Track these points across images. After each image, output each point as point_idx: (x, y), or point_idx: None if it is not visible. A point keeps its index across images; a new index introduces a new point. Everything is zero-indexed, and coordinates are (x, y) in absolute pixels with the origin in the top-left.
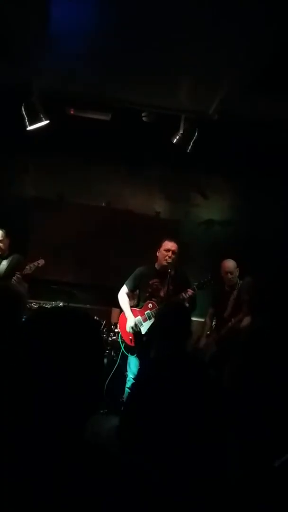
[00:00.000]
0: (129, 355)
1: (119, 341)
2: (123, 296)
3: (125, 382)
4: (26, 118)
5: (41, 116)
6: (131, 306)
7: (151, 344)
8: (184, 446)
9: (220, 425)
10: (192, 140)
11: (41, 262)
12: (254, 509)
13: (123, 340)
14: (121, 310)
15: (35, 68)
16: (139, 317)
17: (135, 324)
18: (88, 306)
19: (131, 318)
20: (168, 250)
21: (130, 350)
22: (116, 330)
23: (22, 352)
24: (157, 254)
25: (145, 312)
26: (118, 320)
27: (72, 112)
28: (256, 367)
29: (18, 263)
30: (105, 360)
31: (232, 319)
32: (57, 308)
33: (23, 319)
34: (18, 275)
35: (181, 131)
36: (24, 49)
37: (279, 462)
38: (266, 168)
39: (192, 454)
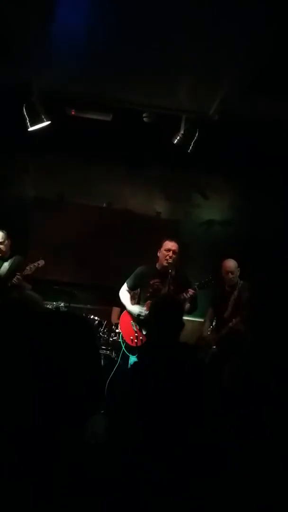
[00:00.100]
0: (129, 355)
1: (120, 341)
2: (124, 293)
3: None
4: (28, 119)
5: (42, 116)
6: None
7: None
8: (179, 441)
9: (215, 416)
10: (193, 141)
11: (41, 262)
12: (254, 509)
13: (124, 340)
14: (122, 310)
15: (35, 68)
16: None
17: (140, 313)
18: (88, 306)
19: (135, 308)
20: (168, 250)
21: (131, 350)
22: (117, 331)
23: (22, 353)
24: (158, 254)
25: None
26: (118, 320)
27: (73, 112)
28: (256, 367)
29: (19, 265)
30: (105, 361)
31: (233, 319)
32: (51, 310)
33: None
34: (18, 276)
35: (181, 132)
36: (24, 49)
37: None
38: (266, 168)
39: (187, 449)
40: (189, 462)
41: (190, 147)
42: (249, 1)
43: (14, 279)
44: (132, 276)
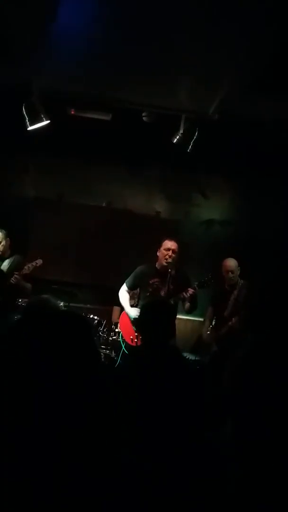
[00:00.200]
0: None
1: (119, 341)
2: (123, 293)
3: None
4: (27, 118)
5: (42, 116)
6: (131, 305)
7: None
8: (178, 441)
9: (214, 416)
10: (192, 140)
11: (39, 262)
12: (254, 509)
13: (124, 339)
14: (122, 309)
15: (35, 68)
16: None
17: (136, 316)
18: (88, 305)
19: (133, 310)
20: (168, 249)
21: (131, 349)
22: (116, 330)
23: (22, 353)
24: (157, 253)
25: None
26: (118, 319)
27: (72, 112)
28: (256, 366)
29: (18, 264)
30: (105, 361)
31: (233, 318)
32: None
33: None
34: (17, 276)
35: (181, 131)
36: (24, 49)
37: None
38: (266, 168)
39: (186, 449)
40: (188, 462)
41: (190, 147)
42: (249, 1)
43: (12, 278)
44: (131, 276)
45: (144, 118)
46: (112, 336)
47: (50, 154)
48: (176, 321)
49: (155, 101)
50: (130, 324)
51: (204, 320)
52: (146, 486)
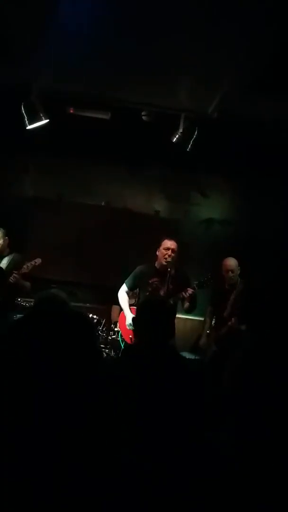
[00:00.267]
0: None
1: (119, 340)
2: (122, 294)
3: None
4: (26, 117)
5: (41, 115)
6: (131, 305)
7: None
8: (178, 441)
9: (213, 416)
10: (192, 139)
11: (38, 261)
12: (254, 509)
13: (123, 338)
14: (121, 309)
15: (35, 68)
16: None
17: (133, 322)
18: (87, 305)
19: (130, 316)
20: (167, 249)
21: None
22: (116, 329)
23: (22, 352)
24: (157, 253)
25: None
26: (118, 319)
27: (71, 111)
28: (255, 366)
29: (17, 262)
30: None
31: (232, 318)
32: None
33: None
34: (15, 275)
35: (180, 130)
36: (24, 49)
37: None
38: (266, 168)
39: (186, 449)
40: (188, 462)
41: (189, 146)
42: (249, 1)
43: (11, 277)
44: (131, 276)
45: (143, 117)
46: (111, 335)
47: (50, 154)
48: (176, 320)
49: (155, 101)
50: None
51: (204, 319)
52: (146, 486)
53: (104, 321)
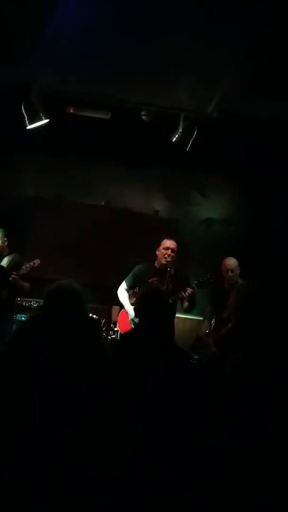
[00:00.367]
0: None
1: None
2: (122, 292)
3: None
4: (26, 117)
5: (41, 115)
6: (130, 304)
7: None
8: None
9: (213, 415)
10: (191, 139)
11: (37, 262)
12: (254, 509)
13: None
14: (121, 308)
15: (35, 68)
16: None
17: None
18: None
19: (132, 310)
20: (167, 249)
21: None
22: (115, 329)
23: (22, 353)
24: (157, 252)
25: None
26: (117, 318)
27: (71, 110)
28: (256, 367)
29: (17, 263)
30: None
31: (231, 322)
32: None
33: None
34: (14, 276)
35: (180, 130)
36: (24, 49)
37: None
38: (266, 168)
39: (186, 449)
40: (188, 462)
41: (189, 146)
42: (249, 1)
43: (10, 278)
44: (130, 274)
45: (143, 117)
46: (111, 335)
47: (50, 154)
48: (175, 320)
49: (155, 101)
50: (128, 323)
51: (203, 319)
52: (146, 486)
53: (104, 321)
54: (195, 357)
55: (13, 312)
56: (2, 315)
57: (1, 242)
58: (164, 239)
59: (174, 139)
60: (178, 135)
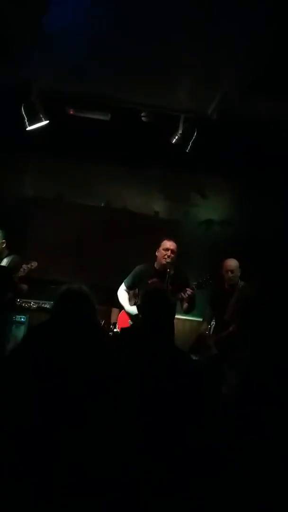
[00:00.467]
0: None
1: None
2: (122, 293)
3: None
4: (26, 118)
5: (41, 116)
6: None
7: None
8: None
9: (213, 416)
10: (191, 140)
11: (34, 264)
12: (254, 509)
13: None
14: (120, 310)
15: (35, 68)
16: None
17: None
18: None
19: (134, 309)
20: (167, 249)
21: None
22: (115, 330)
23: (25, 355)
24: (156, 253)
25: None
26: (117, 319)
27: (71, 112)
28: (256, 367)
29: (16, 264)
30: None
31: (233, 325)
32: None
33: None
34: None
35: (180, 131)
36: (24, 49)
37: None
38: (266, 168)
39: (186, 449)
40: (188, 462)
41: (189, 147)
42: (249, 1)
43: None
44: (130, 275)
45: (143, 118)
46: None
47: (50, 154)
48: (175, 321)
49: (155, 101)
50: (128, 324)
51: (203, 320)
52: (146, 486)
53: (103, 321)
54: (195, 358)
55: (13, 312)
56: (2, 316)
57: (0, 244)
58: (164, 240)
59: (174, 141)
60: (178, 136)
